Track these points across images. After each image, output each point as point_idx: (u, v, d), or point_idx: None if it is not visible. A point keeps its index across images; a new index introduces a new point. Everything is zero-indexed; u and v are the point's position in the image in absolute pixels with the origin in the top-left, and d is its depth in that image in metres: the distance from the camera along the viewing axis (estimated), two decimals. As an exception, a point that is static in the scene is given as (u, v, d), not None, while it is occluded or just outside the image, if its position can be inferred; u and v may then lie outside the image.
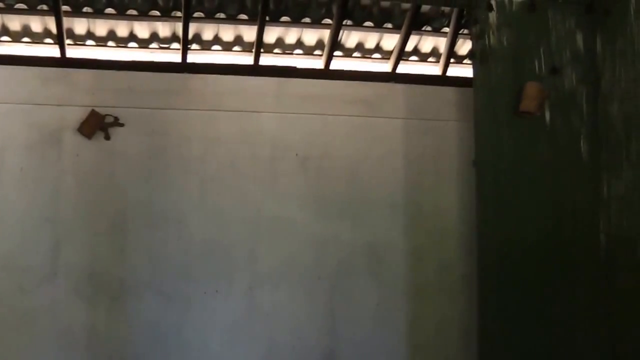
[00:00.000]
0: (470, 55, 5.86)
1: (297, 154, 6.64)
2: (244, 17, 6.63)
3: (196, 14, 6.50)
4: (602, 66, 5.80)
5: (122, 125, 6.27)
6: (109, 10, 6.35)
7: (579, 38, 5.91)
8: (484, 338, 5.60)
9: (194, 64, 6.62)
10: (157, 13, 6.45)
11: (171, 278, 6.21)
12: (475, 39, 5.76)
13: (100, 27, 6.48)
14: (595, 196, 5.80)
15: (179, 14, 6.42)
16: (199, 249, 6.30)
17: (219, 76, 6.59)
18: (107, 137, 6.23)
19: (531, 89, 5.60)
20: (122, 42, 6.59)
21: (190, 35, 6.57)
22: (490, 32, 5.71)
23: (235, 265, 6.37)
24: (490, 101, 5.66)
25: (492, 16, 5.72)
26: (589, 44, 5.91)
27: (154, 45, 6.66)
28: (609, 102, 5.69)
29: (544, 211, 5.71)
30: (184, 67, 6.56)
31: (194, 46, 6.70)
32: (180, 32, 6.50)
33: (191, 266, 6.27)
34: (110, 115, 6.24)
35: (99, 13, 6.35)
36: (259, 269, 6.43)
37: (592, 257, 5.75)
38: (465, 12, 6.34)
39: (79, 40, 6.51)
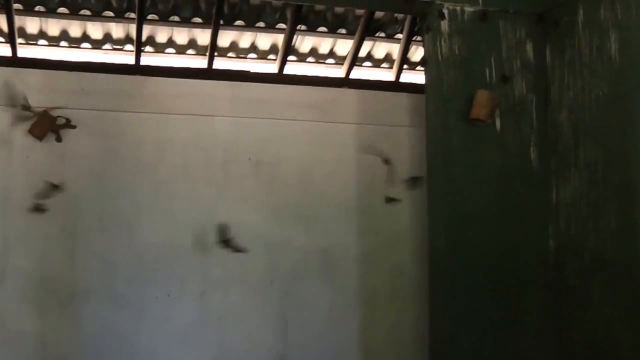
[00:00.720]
0: (423, 62, 5.90)
1: (250, 158, 6.63)
2: (198, 20, 6.61)
3: (150, 16, 6.45)
4: (551, 76, 5.90)
5: (74, 127, 6.18)
6: (62, 9, 6.27)
7: (529, 48, 5.99)
8: (435, 342, 5.63)
9: (147, 66, 6.57)
10: (111, 14, 6.39)
11: (122, 283, 6.15)
12: (427, 46, 5.81)
13: (53, 27, 6.41)
14: (545, 202, 5.87)
15: (132, 15, 6.37)
16: (151, 253, 6.25)
17: (172, 79, 6.55)
18: (59, 139, 6.14)
19: (482, 97, 5.66)
20: (74, 43, 6.53)
21: (144, 38, 6.53)
22: (442, 40, 5.76)
23: (187, 269, 6.34)
24: (441, 108, 5.71)
25: (444, 24, 5.77)
26: (539, 54, 5.99)
27: (107, 46, 6.60)
28: (558, 111, 5.79)
29: (494, 216, 5.76)
30: (137, 70, 6.51)
31: (148, 48, 6.66)
32: (134, 34, 6.44)
33: (143, 270, 6.22)
34: (62, 116, 6.15)
35: (51, 12, 6.27)
36: (211, 272, 6.40)
37: (541, 261, 5.82)
38: (418, 19, 6.39)
39: (30, 39, 6.43)
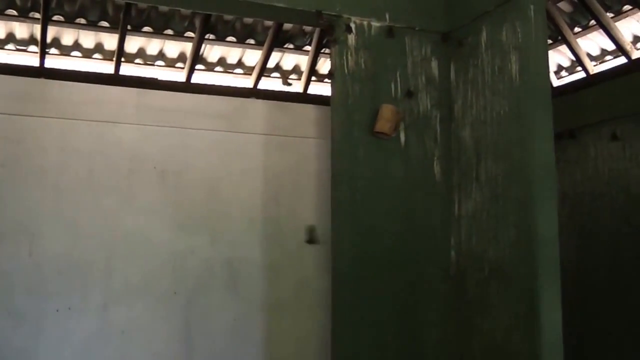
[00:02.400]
0: (329, 75, 5.96)
1: (155, 167, 6.56)
2: (105, 24, 6.51)
3: (56, 17, 6.31)
4: (455, 92, 6.06)
5: (-30, 130, 5.99)
6: (-38, 5, 6.06)
7: (434, 65, 6.14)
8: (338, 352, 5.67)
9: (52, 69, 6.43)
10: (14, 12, 6.21)
11: (21, 295, 5.97)
12: (334, 59, 5.88)
13: (-47, 25, 6.20)
14: (447, 214, 6.01)
15: (37, 15, 6.21)
16: (52, 264, 6.09)
17: (78, 84, 6.43)
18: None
19: (386, 111, 5.75)
20: (-25, 42, 6.32)
21: (48, 39, 6.39)
22: (349, 54, 5.84)
23: (90, 280, 6.22)
24: (346, 120, 5.78)
25: (352, 38, 5.86)
26: (443, 71, 6.15)
27: (10, 46, 6.42)
28: (461, 127, 5.95)
29: (397, 228, 5.85)
30: (41, 72, 6.36)
31: (53, 50, 6.52)
32: (38, 35, 6.29)
33: (43, 282, 6.05)
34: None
35: (-51, 8, 6.06)
36: (114, 284, 6.29)
37: (443, 271, 5.95)
38: (326, 32, 6.47)
39: None
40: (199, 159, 6.72)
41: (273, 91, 7.24)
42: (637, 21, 6.52)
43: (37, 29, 6.32)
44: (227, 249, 6.70)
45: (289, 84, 7.03)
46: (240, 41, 7.00)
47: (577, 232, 7.16)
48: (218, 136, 6.80)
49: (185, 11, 6.62)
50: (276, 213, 6.92)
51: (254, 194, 6.87)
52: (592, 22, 6.78)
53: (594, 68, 7.11)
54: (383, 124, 5.72)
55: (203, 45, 6.84)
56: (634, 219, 6.56)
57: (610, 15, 6.60)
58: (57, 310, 6.06)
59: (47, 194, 6.18)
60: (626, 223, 6.64)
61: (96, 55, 6.71)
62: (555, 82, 7.57)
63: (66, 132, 6.32)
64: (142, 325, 6.34)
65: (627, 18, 6.54)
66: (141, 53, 6.85)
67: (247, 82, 7.18)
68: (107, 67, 6.69)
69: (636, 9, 6.38)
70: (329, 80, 6.10)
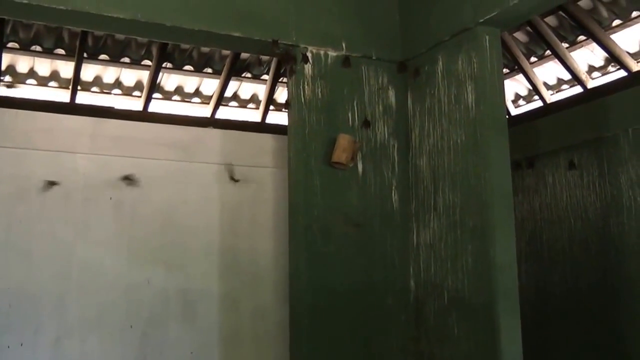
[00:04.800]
0: (286, 104, 5.94)
1: (111, 198, 6.46)
2: (61, 52, 6.45)
3: (10, 44, 6.25)
4: (412, 122, 6.07)
5: None
6: None
7: (391, 94, 6.14)
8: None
9: (6, 97, 6.35)
10: (-34, 38, 6.11)
11: (-30, 331, 5.81)
12: (290, 88, 5.86)
13: None
14: (405, 243, 5.99)
15: (-9, 42, 6.13)
16: (3, 297, 5.92)
17: (32, 112, 6.32)
18: None
19: (343, 141, 5.73)
20: None
21: (3, 66, 6.29)
22: (306, 83, 5.81)
23: (42, 314, 6.06)
24: (303, 150, 5.74)
25: (308, 67, 5.84)
26: (400, 100, 6.15)
27: (-38, 73, 6.31)
28: (419, 156, 5.95)
29: (355, 258, 5.80)
30: (-5, 100, 6.25)
31: (7, 78, 6.43)
32: (-8, 63, 6.20)
33: (-7, 317, 5.89)
34: None
35: None
36: (67, 317, 6.14)
37: (403, 301, 5.91)
38: (282, 61, 6.45)
39: None
40: (155, 189, 6.63)
41: (230, 120, 7.20)
42: (591, 51, 6.62)
43: (-10, 57, 6.23)
44: (184, 280, 6.60)
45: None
46: (198, 70, 6.98)
47: (536, 259, 7.19)
48: (175, 166, 6.72)
49: (142, 39, 6.56)
50: (233, 243, 6.85)
51: (210, 224, 6.80)
52: (548, 52, 6.87)
53: (551, 97, 7.19)
54: (340, 154, 5.70)
55: (160, 74, 6.80)
56: (593, 246, 6.60)
57: (565, 45, 6.68)
58: (8, 347, 5.88)
59: (-1, 224, 6.04)
60: (584, 249, 6.69)
61: (52, 83, 6.63)
62: (513, 111, 7.63)
63: (20, 161, 6.20)
64: (96, 359, 6.18)
65: (581, 48, 6.63)
66: (97, 81, 6.79)
67: (205, 111, 7.13)
68: (63, 95, 6.60)
69: (590, 39, 6.47)
70: (286, 110, 6.07)
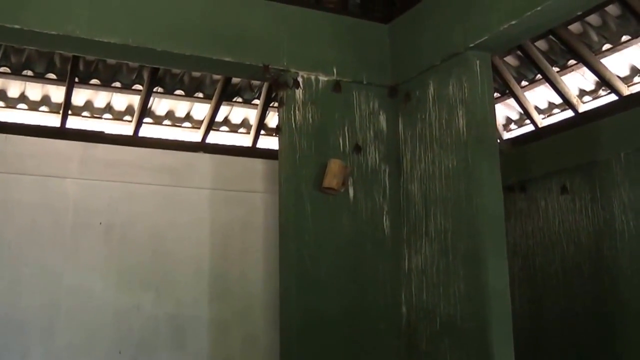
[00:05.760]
0: (277, 129, 5.92)
1: (101, 223, 6.43)
2: (52, 76, 6.46)
3: (2, 69, 6.25)
4: (403, 147, 6.04)
5: None
6: None
7: (382, 119, 6.11)
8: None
9: (-4, 121, 6.30)
10: (-43, 63, 6.11)
11: (-47, 358, 5.75)
12: (281, 113, 5.84)
13: None
14: (397, 269, 5.95)
15: (-19, 66, 6.12)
16: (-11, 324, 5.88)
17: (23, 137, 6.31)
18: None
19: (334, 166, 5.70)
20: None
21: (-6, 91, 6.27)
22: (297, 108, 5.79)
23: (30, 340, 6.00)
24: (293, 175, 5.71)
25: (299, 92, 5.82)
26: (391, 125, 6.13)
27: (-48, 98, 6.30)
28: (410, 181, 5.92)
29: (346, 283, 5.75)
30: (-14, 125, 6.22)
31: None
32: (-17, 87, 6.18)
33: (-21, 343, 5.82)
34: None
35: None
36: (56, 343, 6.09)
37: (394, 327, 5.86)
38: (273, 86, 6.43)
39: None
40: (145, 214, 6.60)
41: (221, 145, 7.18)
42: (582, 75, 6.64)
43: (-19, 82, 6.21)
44: (173, 306, 6.55)
45: None
46: (189, 94, 6.98)
47: (530, 284, 7.16)
48: (165, 190, 6.70)
49: (133, 64, 6.56)
50: (223, 268, 6.81)
51: (200, 249, 6.76)
52: (539, 76, 6.88)
53: (542, 121, 7.19)
54: (331, 180, 5.67)
55: (151, 98, 6.80)
56: (586, 270, 6.58)
57: (556, 69, 6.70)
58: (-7, 376, 5.84)
59: (-13, 250, 5.99)
60: (578, 274, 6.67)
61: (43, 108, 6.63)
62: (505, 135, 7.63)
63: (10, 186, 6.18)
64: (85, 387, 6.12)
65: (572, 72, 6.65)
66: (88, 106, 6.79)
67: (196, 135, 7.12)
68: (54, 120, 6.59)
69: (580, 63, 6.49)
70: (277, 135, 6.05)
